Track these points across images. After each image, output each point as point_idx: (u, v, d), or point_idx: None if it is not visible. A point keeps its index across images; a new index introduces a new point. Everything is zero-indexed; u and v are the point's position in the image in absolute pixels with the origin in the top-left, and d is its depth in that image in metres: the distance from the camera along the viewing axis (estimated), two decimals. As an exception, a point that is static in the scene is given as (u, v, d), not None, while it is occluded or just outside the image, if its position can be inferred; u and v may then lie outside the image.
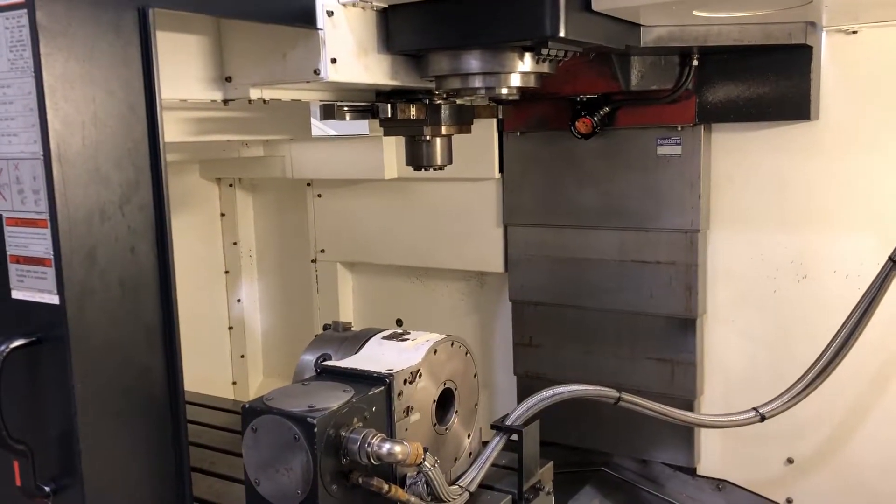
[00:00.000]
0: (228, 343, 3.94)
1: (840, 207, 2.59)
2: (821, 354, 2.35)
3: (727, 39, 2.29)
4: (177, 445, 1.64)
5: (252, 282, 3.94)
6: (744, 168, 2.72)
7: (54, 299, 1.44)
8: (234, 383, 3.95)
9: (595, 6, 1.91)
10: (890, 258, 2.23)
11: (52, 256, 1.42)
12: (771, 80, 2.56)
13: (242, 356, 3.93)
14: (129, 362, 1.54)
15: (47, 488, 1.53)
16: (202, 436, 2.45)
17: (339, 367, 1.88)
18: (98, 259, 1.46)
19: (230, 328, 3.93)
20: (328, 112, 2.28)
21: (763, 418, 2.39)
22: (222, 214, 3.86)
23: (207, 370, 3.76)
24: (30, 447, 1.54)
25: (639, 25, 2.21)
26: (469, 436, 2.11)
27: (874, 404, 2.63)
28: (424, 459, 1.71)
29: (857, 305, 2.29)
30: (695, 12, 2.09)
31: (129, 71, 1.49)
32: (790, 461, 2.79)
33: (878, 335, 2.43)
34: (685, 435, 2.86)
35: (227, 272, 3.90)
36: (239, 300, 3.92)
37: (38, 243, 1.44)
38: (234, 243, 3.86)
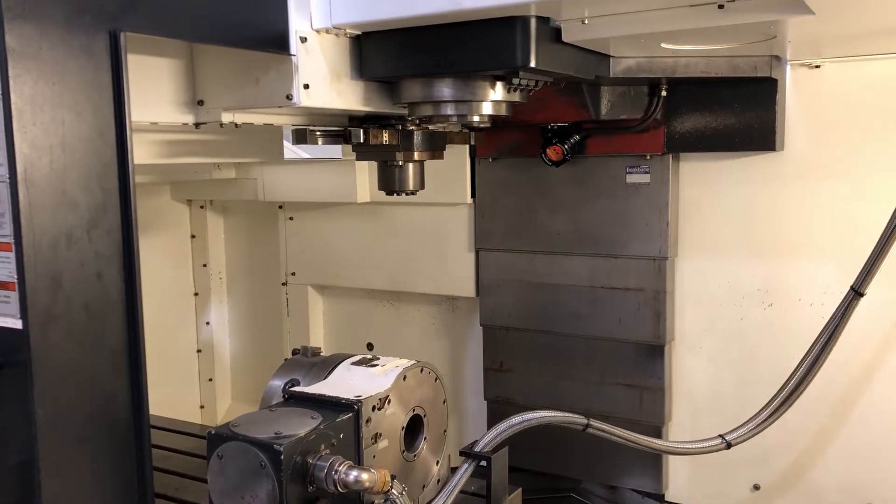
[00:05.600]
0: (196, 366, 3.89)
1: (804, 237, 2.64)
2: (786, 382, 2.38)
3: (695, 71, 2.33)
4: (141, 471, 1.61)
5: (221, 304, 3.91)
6: (711, 197, 2.76)
7: (17, 324, 1.41)
8: (202, 407, 3.90)
9: (565, 37, 1.94)
10: (851, 288, 2.28)
11: (16, 280, 1.41)
12: (737, 112, 2.61)
13: (210, 380, 3.89)
14: (94, 388, 1.52)
15: (5, 517, 1.51)
16: (168, 461, 2.43)
17: (307, 393, 1.87)
18: (63, 284, 1.45)
19: (198, 351, 3.89)
20: (300, 136, 2.29)
21: (729, 445, 2.41)
22: (193, 236, 3.83)
23: (175, 394, 3.71)
24: (-12, 474, 1.51)
25: (608, 56, 2.25)
26: (438, 462, 2.10)
27: (837, 431, 2.66)
28: (392, 487, 1.71)
29: (820, 334, 2.33)
30: (663, 45, 2.13)
31: (99, 94, 1.48)
32: (756, 487, 2.81)
33: (841, 363, 2.47)
34: (653, 461, 2.88)
35: (196, 294, 3.86)
36: (208, 323, 3.88)
37: (1, 267, 1.42)
38: (204, 265, 3.83)
